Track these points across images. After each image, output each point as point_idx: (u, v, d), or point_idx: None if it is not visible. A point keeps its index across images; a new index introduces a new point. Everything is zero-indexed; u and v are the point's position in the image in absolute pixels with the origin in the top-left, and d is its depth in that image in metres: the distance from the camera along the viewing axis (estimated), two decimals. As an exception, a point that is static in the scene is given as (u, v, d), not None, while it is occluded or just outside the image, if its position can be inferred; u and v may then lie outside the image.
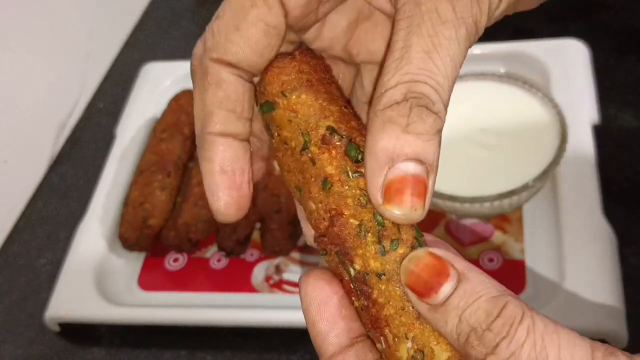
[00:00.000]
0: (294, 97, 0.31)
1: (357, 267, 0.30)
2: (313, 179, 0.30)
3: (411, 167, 0.28)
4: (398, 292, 0.29)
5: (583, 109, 0.76)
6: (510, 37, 0.85)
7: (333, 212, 0.30)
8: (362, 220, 0.29)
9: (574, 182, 0.70)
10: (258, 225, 0.76)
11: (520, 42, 0.84)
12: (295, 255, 0.74)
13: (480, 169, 0.69)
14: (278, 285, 0.72)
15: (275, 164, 0.34)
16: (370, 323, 0.30)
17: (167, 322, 0.71)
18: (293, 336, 0.68)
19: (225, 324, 0.69)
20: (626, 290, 0.63)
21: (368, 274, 0.29)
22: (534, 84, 0.74)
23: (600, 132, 0.75)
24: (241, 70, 0.32)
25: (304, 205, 0.32)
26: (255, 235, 0.76)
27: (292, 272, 0.73)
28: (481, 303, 0.27)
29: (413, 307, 0.29)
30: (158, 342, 0.72)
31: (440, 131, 0.29)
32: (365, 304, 0.30)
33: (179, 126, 0.84)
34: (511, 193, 0.65)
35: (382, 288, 0.29)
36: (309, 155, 0.30)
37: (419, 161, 0.28)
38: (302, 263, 0.74)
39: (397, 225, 0.30)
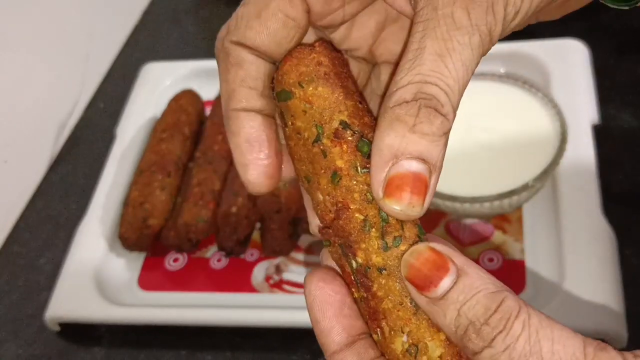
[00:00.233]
0: (310, 88, 0.31)
1: (360, 260, 0.30)
2: (323, 171, 0.31)
3: (414, 166, 0.29)
4: (397, 287, 0.30)
5: (583, 109, 0.76)
6: (510, 37, 0.84)
7: (340, 205, 0.30)
8: (367, 215, 0.30)
9: (574, 182, 0.70)
10: (258, 225, 0.76)
11: (520, 42, 0.84)
12: (295, 255, 0.74)
13: (480, 169, 0.69)
14: (278, 285, 0.72)
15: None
16: (369, 315, 0.31)
17: (167, 322, 0.71)
18: (293, 336, 0.68)
19: (225, 324, 0.69)
20: (626, 290, 0.63)
21: (369, 268, 0.30)
22: (534, 84, 0.74)
23: (600, 132, 0.75)
24: (261, 53, 0.33)
25: (311, 195, 0.33)
26: (255, 235, 0.76)
27: (292, 272, 0.73)
28: (480, 298, 0.28)
29: (411, 303, 0.30)
30: (158, 342, 0.72)
31: (447, 133, 0.29)
32: (365, 295, 0.31)
33: (179, 126, 0.84)
34: (511, 193, 0.65)
35: (382, 282, 0.30)
36: (321, 147, 0.31)
37: (422, 160, 0.29)
38: (302, 263, 0.74)
39: (401, 223, 0.30)
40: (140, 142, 0.87)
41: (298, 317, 0.67)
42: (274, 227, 0.73)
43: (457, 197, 0.66)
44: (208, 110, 0.89)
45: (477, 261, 0.69)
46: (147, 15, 1.13)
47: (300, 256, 0.74)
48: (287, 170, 0.35)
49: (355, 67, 0.38)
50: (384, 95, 0.35)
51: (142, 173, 0.79)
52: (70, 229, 0.80)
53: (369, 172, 0.30)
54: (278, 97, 0.33)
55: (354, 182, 0.30)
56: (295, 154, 0.33)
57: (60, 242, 0.82)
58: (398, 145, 0.29)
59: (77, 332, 0.74)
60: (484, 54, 0.31)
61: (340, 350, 0.32)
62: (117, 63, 1.06)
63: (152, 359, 0.71)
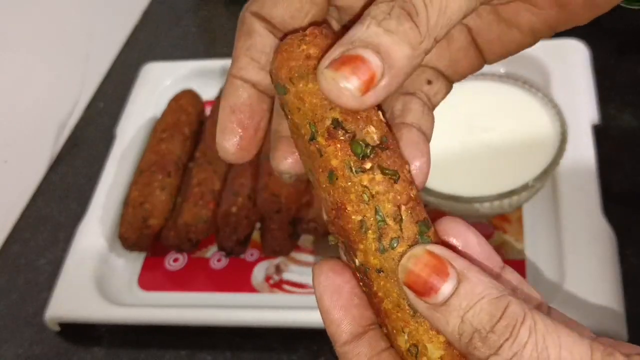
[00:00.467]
0: (300, 85, 0.31)
1: (359, 260, 0.30)
2: (321, 170, 0.31)
3: (367, 54, 0.28)
4: (395, 290, 0.29)
5: (583, 109, 0.76)
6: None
7: (338, 204, 0.30)
8: (364, 216, 0.30)
9: (574, 182, 0.70)
10: (258, 225, 0.76)
11: (520, 42, 0.84)
12: (295, 255, 0.74)
13: (480, 169, 0.69)
14: (278, 285, 0.72)
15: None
16: (374, 310, 0.31)
17: (167, 322, 0.71)
18: (293, 336, 0.68)
19: (225, 324, 0.69)
20: (626, 290, 0.63)
21: (368, 269, 0.30)
22: (534, 84, 0.74)
23: (600, 132, 0.75)
24: (274, 28, 0.33)
25: (316, 190, 0.33)
26: (255, 235, 0.76)
27: (292, 272, 0.73)
28: (484, 305, 0.27)
29: (409, 306, 0.29)
30: (158, 342, 0.72)
31: (412, 45, 0.28)
32: (368, 292, 0.31)
33: (179, 126, 0.84)
34: (511, 193, 0.65)
35: (381, 284, 0.30)
36: (317, 146, 0.31)
37: (378, 54, 0.28)
38: (302, 263, 0.74)
39: (400, 223, 0.30)
40: (140, 142, 0.87)
41: (298, 317, 0.67)
42: (274, 227, 0.73)
43: (457, 197, 0.66)
44: (208, 110, 0.89)
45: (477, 261, 0.69)
46: (147, 15, 1.13)
47: (300, 256, 0.74)
48: (297, 164, 0.34)
49: None
50: None
51: (142, 173, 0.79)
52: (70, 229, 0.80)
53: (364, 172, 0.30)
54: (277, 91, 0.32)
55: (349, 184, 0.30)
56: (298, 148, 0.33)
57: (60, 242, 0.82)
58: (360, 35, 0.28)
59: (77, 332, 0.74)
60: (476, 6, 0.30)
61: (352, 341, 0.31)
62: (117, 63, 1.06)
63: (152, 359, 0.71)
